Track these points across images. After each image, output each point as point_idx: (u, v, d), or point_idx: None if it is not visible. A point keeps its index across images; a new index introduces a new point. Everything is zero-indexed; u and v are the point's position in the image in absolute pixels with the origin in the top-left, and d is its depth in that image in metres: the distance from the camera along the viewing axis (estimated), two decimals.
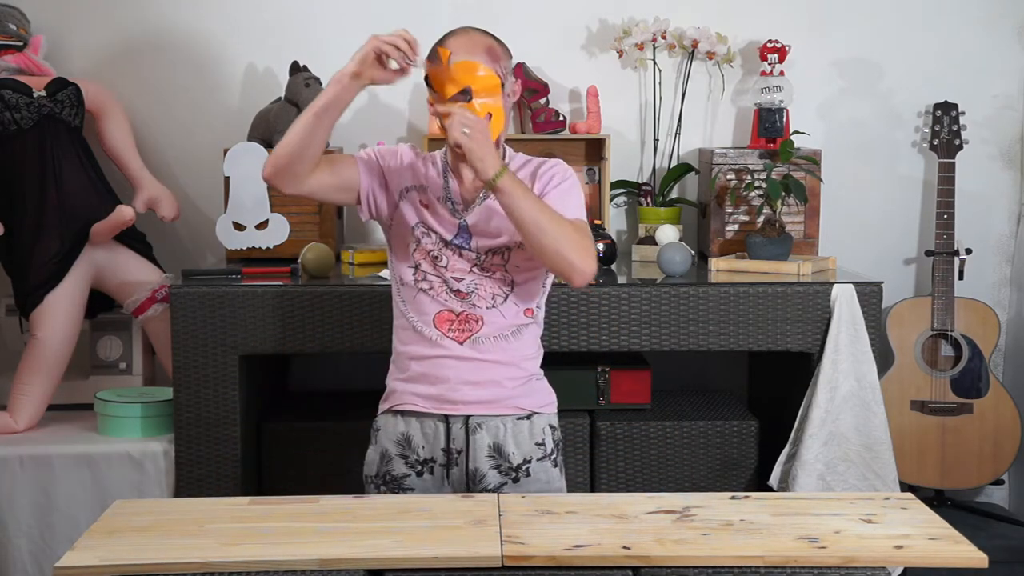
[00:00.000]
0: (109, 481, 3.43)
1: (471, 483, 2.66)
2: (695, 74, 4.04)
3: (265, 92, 3.94)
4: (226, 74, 4.01)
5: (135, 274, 3.72)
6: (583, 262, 2.54)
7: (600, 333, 3.36)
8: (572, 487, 3.41)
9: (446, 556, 2.19)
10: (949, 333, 3.90)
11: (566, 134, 3.89)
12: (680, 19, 3.96)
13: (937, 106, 4.00)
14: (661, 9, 3.97)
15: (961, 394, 3.90)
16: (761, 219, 3.75)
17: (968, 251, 3.94)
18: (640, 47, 3.94)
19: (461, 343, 2.65)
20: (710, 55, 3.96)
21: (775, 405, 3.72)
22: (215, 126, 4.01)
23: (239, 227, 3.67)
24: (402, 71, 2.56)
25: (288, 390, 4.07)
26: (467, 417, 2.66)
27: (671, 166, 4.02)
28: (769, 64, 3.92)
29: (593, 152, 3.96)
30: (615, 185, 3.98)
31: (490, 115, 2.57)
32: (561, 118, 3.86)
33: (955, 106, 3.99)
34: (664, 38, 3.95)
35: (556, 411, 2.77)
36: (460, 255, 2.65)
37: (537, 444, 2.69)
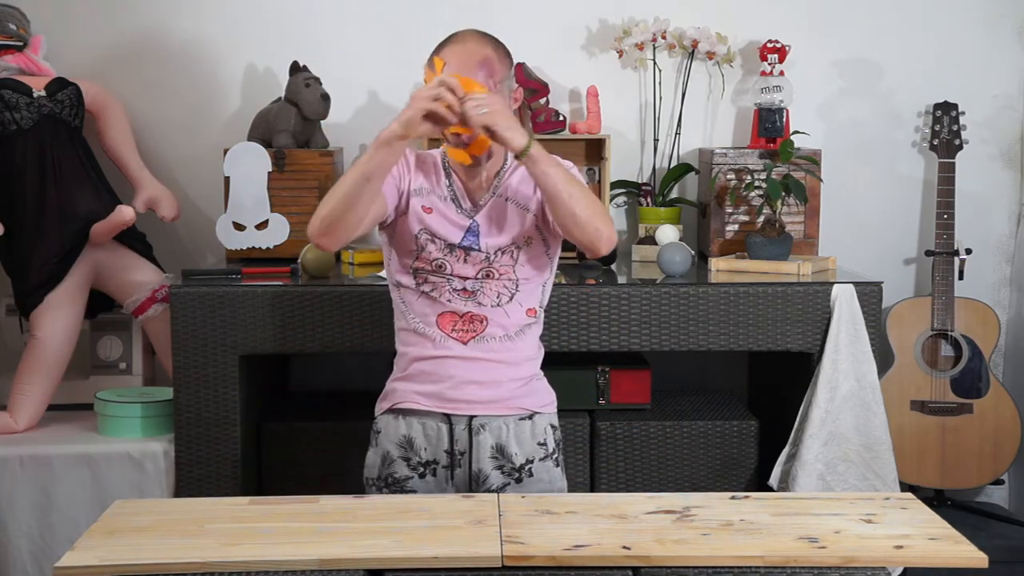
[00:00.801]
0: (109, 481, 3.43)
1: (474, 484, 2.66)
2: (695, 74, 4.04)
3: (265, 92, 3.94)
4: (226, 74, 4.01)
5: (135, 274, 3.72)
6: (610, 229, 2.54)
7: (600, 333, 3.36)
8: (572, 487, 3.41)
9: (446, 556, 2.19)
10: (949, 333, 3.90)
11: (566, 134, 3.89)
12: (680, 19, 3.96)
13: (937, 106, 4.00)
14: (661, 9, 3.96)
15: (961, 394, 3.90)
16: (761, 219, 3.75)
17: (968, 251, 3.94)
18: (640, 47, 3.94)
19: (465, 343, 2.64)
20: (710, 55, 3.96)
21: (775, 405, 3.72)
22: (215, 126, 4.01)
23: (239, 227, 3.67)
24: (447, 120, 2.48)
25: (288, 390, 4.07)
26: (470, 418, 2.66)
27: (671, 166, 4.02)
28: (769, 64, 3.92)
29: (593, 152, 3.96)
30: (615, 185, 3.98)
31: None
32: (561, 118, 3.86)
33: (955, 106, 3.99)
34: (664, 38, 3.95)
35: (556, 410, 2.78)
36: (466, 259, 2.63)
37: (539, 444, 2.70)
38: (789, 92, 3.90)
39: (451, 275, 2.63)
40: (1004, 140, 4.13)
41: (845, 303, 3.38)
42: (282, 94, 3.80)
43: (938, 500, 3.93)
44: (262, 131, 3.77)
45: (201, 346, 3.33)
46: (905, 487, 3.79)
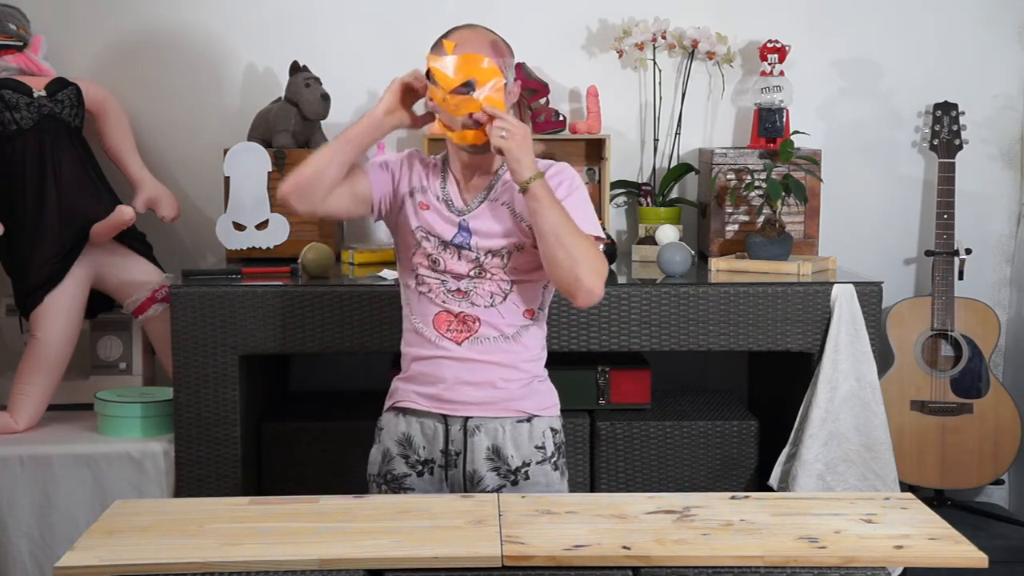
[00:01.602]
0: (109, 481, 3.43)
1: (469, 485, 2.66)
2: (695, 74, 4.04)
3: (265, 92, 3.94)
4: (226, 74, 4.01)
5: (135, 274, 3.72)
6: (591, 282, 2.54)
7: (600, 333, 3.36)
8: (572, 487, 3.40)
9: (446, 556, 2.19)
10: (949, 333, 3.90)
11: (566, 134, 3.89)
12: (680, 19, 3.96)
13: (937, 106, 4.00)
14: (661, 9, 3.97)
15: (961, 394, 3.90)
16: (761, 219, 3.75)
17: (968, 251, 3.94)
18: (640, 47, 3.94)
19: (459, 343, 2.65)
20: (710, 55, 3.96)
21: (775, 405, 3.72)
22: (215, 126, 4.01)
23: (239, 227, 3.66)
24: (429, 116, 2.66)
25: (288, 390, 4.07)
26: (466, 419, 2.66)
27: (671, 166, 4.02)
28: (769, 64, 3.92)
29: (593, 152, 3.96)
30: (615, 185, 3.98)
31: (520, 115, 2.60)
32: (561, 118, 3.86)
33: (955, 106, 3.99)
34: (664, 38, 3.95)
35: (559, 413, 2.76)
36: (459, 256, 2.65)
37: (537, 447, 2.68)
38: (789, 92, 3.90)
39: (445, 272, 2.65)
40: (1004, 140, 4.13)
41: (845, 303, 3.38)
42: (282, 94, 3.80)
43: (938, 500, 3.93)
44: (262, 131, 3.77)
45: (201, 346, 3.33)
46: (905, 487, 3.79)
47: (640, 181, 4.04)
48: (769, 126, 3.88)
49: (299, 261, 3.47)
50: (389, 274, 3.38)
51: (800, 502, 2.53)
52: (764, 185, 3.65)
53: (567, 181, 2.66)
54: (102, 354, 3.84)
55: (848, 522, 2.37)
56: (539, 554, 2.20)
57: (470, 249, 2.65)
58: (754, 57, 3.99)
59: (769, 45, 3.92)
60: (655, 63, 4.01)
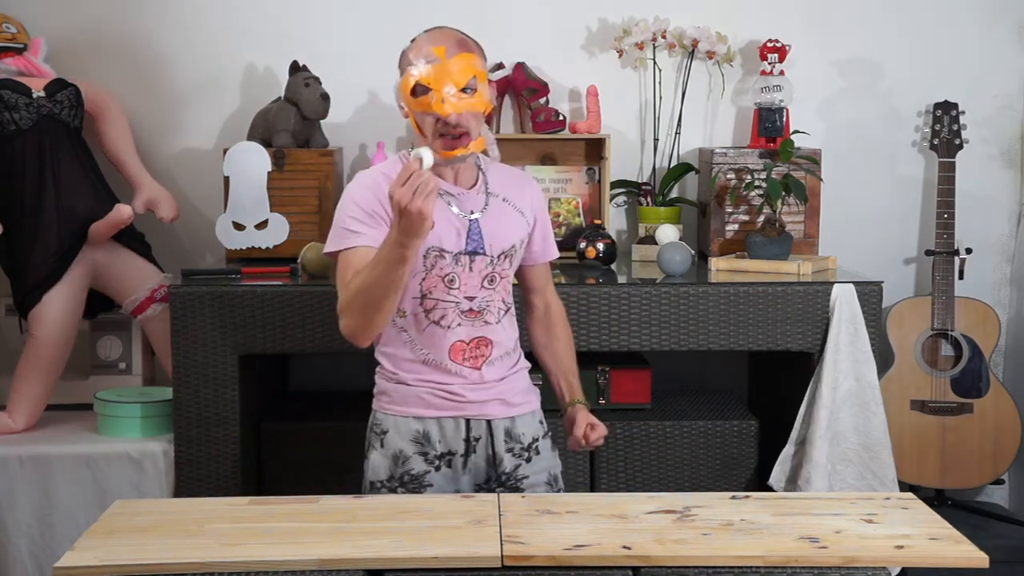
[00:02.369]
0: (109, 481, 3.43)
1: (489, 467, 2.70)
2: (695, 74, 4.03)
3: (265, 92, 3.94)
4: (226, 74, 4.01)
5: (134, 274, 3.71)
6: None
7: (600, 333, 3.36)
8: (572, 487, 3.41)
9: (446, 556, 2.19)
10: (949, 333, 3.90)
11: (566, 134, 3.89)
12: (680, 19, 3.96)
13: (937, 106, 4.00)
14: (661, 8, 3.96)
15: (961, 394, 3.90)
16: (761, 219, 3.75)
17: (968, 251, 3.94)
18: (640, 47, 3.94)
19: (478, 368, 2.67)
20: (710, 55, 3.96)
21: (775, 405, 3.72)
22: (215, 126, 4.01)
23: (239, 227, 3.66)
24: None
25: (288, 390, 4.07)
26: (489, 420, 2.72)
27: (671, 166, 4.02)
28: (769, 64, 3.91)
29: (593, 152, 3.96)
30: (615, 185, 3.98)
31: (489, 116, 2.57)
32: (561, 118, 3.86)
33: (955, 106, 3.98)
34: (664, 37, 3.95)
35: None
36: (471, 267, 2.63)
37: (539, 422, 2.79)
38: (789, 92, 3.90)
39: (458, 290, 2.62)
40: (1004, 140, 4.13)
41: (845, 303, 3.38)
42: (282, 94, 3.80)
43: (938, 500, 3.93)
44: (262, 131, 3.77)
45: (200, 346, 3.32)
46: (905, 487, 3.79)
47: (640, 181, 4.04)
48: (769, 126, 3.88)
49: (299, 261, 3.47)
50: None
51: (800, 502, 2.53)
52: (764, 185, 3.65)
53: (542, 199, 2.80)
54: (102, 354, 3.84)
55: (849, 522, 2.37)
56: (539, 554, 2.19)
57: (484, 253, 2.63)
58: (754, 57, 3.98)
59: (769, 45, 3.92)
60: (655, 63, 4.01)
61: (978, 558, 2.22)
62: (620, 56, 4.00)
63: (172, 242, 4.01)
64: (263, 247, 3.67)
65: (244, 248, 3.66)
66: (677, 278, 3.50)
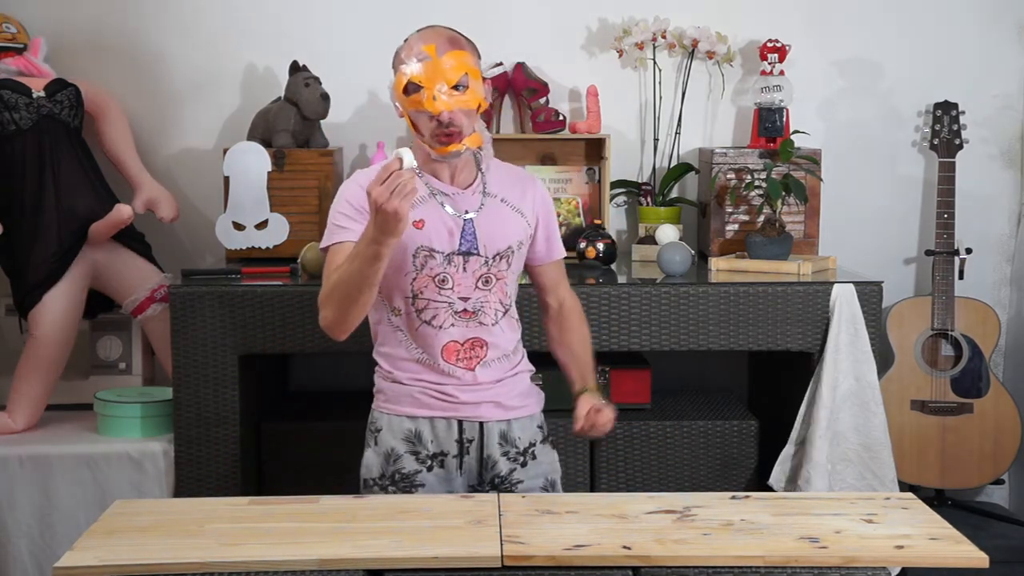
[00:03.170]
0: (109, 481, 3.43)
1: (483, 469, 2.68)
2: (695, 74, 4.03)
3: (265, 92, 3.94)
4: (226, 74, 4.01)
5: (134, 274, 3.71)
6: None
7: (600, 333, 3.36)
8: (572, 487, 3.41)
9: (446, 556, 2.19)
10: (949, 333, 3.90)
11: (566, 134, 3.89)
12: (680, 18, 3.96)
13: (937, 106, 4.00)
14: (661, 8, 3.96)
15: (961, 394, 3.90)
16: (761, 219, 3.75)
17: (968, 251, 3.94)
18: (640, 46, 3.94)
19: (472, 370, 2.65)
20: (710, 54, 3.96)
21: (775, 405, 3.72)
22: (215, 126, 4.01)
23: (239, 227, 3.66)
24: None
25: (288, 390, 4.07)
26: (481, 423, 2.70)
27: (671, 166, 4.02)
28: (769, 64, 3.91)
29: (593, 152, 3.96)
30: (615, 185, 3.97)
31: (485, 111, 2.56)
32: (561, 118, 3.86)
33: (955, 106, 3.98)
34: (664, 37, 3.95)
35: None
36: (465, 267, 2.62)
37: (538, 427, 2.77)
38: (789, 92, 3.90)
39: (451, 291, 2.61)
40: (1004, 140, 4.13)
41: (845, 303, 3.38)
42: (282, 94, 3.80)
43: (938, 500, 3.93)
44: (262, 131, 3.77)
45: (200, 346, 3.32)
46: (905, 487, 3.79)
47: (640, 181, 4.04)
48: (769, 126, 3.88)
49: (299, 261, 3.47)
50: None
51: (800, 502, 2.53)
52: (764, 185, 3.65)
53: (548, 197, 2.79)
54: (102, 354, 3.84)
55: (849, 522, 2.37)
56: (539, 554, 2.19)
57: (478, 254, 2.62)
58: (754, 57, 3.98)
59: (769, 45, 3.92)
60: (655, 63, 4.01)
61: (978, 558, 2.22)
62: (620, 56, 4.00)
63: (172, 242, 4.01)
64: (263, 247, 3.67)
65: (244, 248, 3.67)
66: (677, 278, 3.50)
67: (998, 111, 4.12)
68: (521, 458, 2.70)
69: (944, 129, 3.97)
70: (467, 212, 2.63)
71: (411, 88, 2.55)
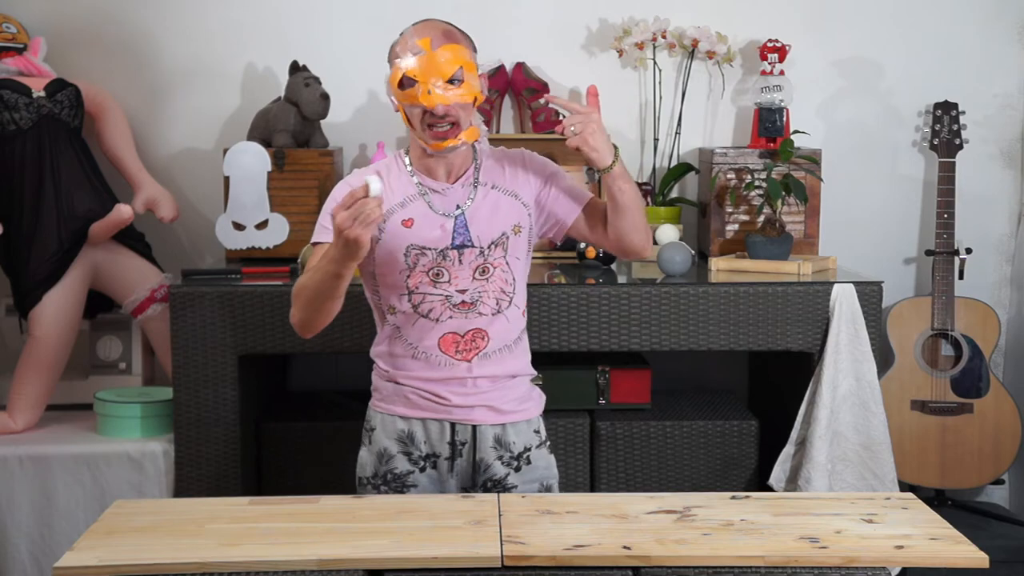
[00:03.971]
0: (109, 481, 3.43)
1: (476, 472, 2.67)
2: (695, 74, 4.03)
3: (265, 92, 3.94)
4: (226, 74, 4.01)
5: (134, 274, 3.71)
6: (650, 240, 2.74)
7: (600, 333, 3.36)
8: (572, 487, 3.41)
9: (446, 556, 2.19)
10: (949, 333, 3.90)
11: None
12: (680, 18, 3.96)
13: (937, 106, 4.00)
14: (661, 8, 3.96)
15: (961, 394, 3.90)
16: (761, 219, 3.75)
17: (968, 251, 3.94)
18: (640, 46, 3.94)
19: (469, 361, 2.64)
20: (710, 54, 3.96)
21: (775, 405, 3.72)
22: (215, 126, 4.01)
23: (239, 227, 3.66)
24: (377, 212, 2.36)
25: (288, 390, 4.07)
26: (474, 426, 2.67)
27: (671, 166, 4.02)
28: (769, 64, 3.91)
29: None
30: None
31: (486, 99, 2.54)
32: (561, 118, 3.85)
33: (955, 105, 3.98)
34: (664, 37, 3.95)
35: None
36: (460, 260, 2.61)
37: (535, 431, 2.74)
38: (789, 92, 3.90)
39: (448, 284, 2.61)
40: (1004, 140, 4.13)
41: (845, 303, 3.38)
42: (282, 94, 3.80)
43: (938, 500, 3.93)
44: (262, 131, 3.77)
45: (200, 346, 3.32)
46: (905, 487, 3.79)
47: (640, 180, 4.04)
48: (769, 126, 3.88)
49: (299, 261, 3.47)
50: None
51: (801, 502, 2.53)
52: (764, 185, 3.65)
53: (541, 167, 2.72)
54: (102, 354, 3.84)
55: (849, 522, 2.37)
56: (539, 554, 2.19)
57: (472, 245, 2.62)
58: (754, 57, 3.98)
59: (769, 45, 3.92)
60: (655, 62, 4.01)
61: (978, 558, 2.22)
62: (620, 56, 4.00)
63: (172, 242, 4.01)
64: (263, 247, 3.67)
65: (244, 248, 3.67)
66: (677, 278, 3.50)
67: (998, 111, 4.12)
68: (515, 463, 2.69)
69: (944, 129, 3.97)
70: (458, 207, 2.63)
71: (406, 82, 2.55)
